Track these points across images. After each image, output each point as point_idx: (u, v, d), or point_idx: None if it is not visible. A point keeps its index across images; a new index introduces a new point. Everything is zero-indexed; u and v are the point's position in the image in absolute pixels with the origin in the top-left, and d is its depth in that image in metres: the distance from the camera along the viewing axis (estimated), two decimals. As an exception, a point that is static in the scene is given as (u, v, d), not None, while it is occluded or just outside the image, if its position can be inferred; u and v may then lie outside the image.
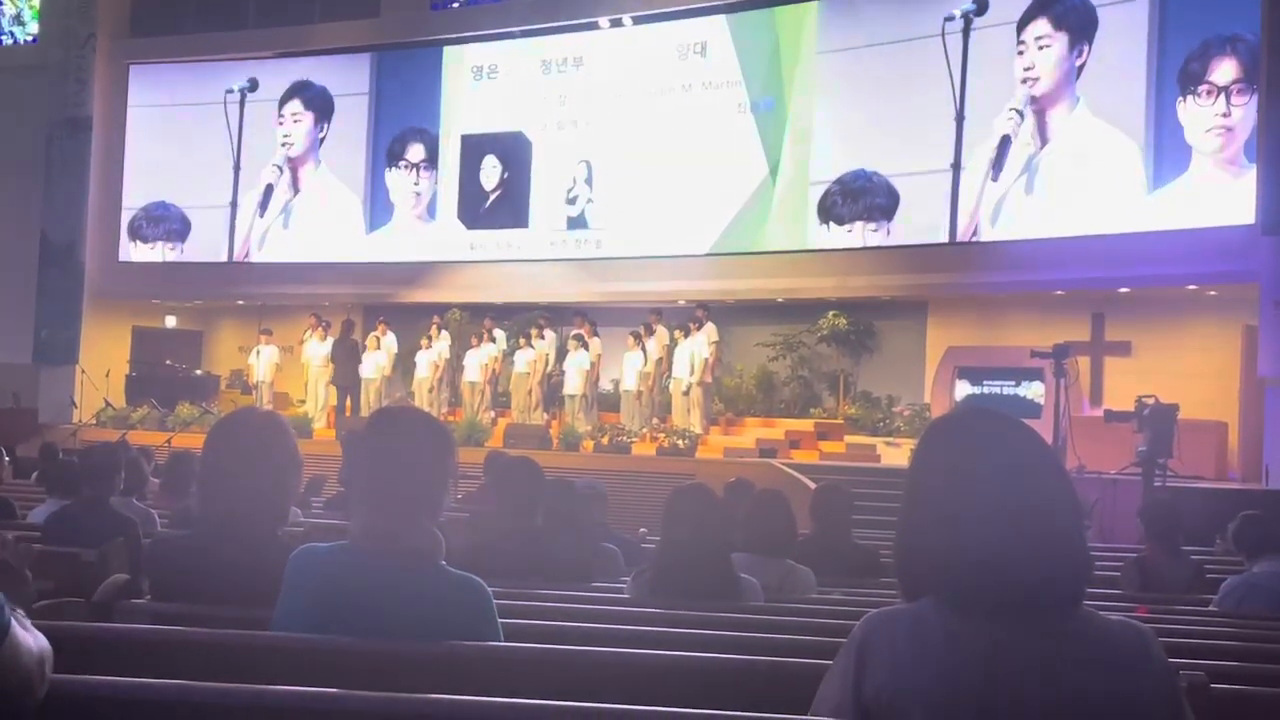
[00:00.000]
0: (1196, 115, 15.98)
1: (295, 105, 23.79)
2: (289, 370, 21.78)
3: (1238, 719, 2.88)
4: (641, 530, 8.76)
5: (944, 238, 17.96)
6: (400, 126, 22.88)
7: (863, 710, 2.01)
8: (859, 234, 18.69)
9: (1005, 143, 17.50)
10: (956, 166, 17.85)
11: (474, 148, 22.13)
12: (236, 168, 24.13)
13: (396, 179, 22.85)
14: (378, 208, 23.00)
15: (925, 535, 2.06)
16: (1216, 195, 15.76)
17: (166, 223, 24.54)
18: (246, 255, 24.03)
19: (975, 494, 2.03)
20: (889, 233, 18.46)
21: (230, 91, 24.05)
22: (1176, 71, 16.16)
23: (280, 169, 23.76)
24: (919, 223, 18.14)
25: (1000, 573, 1.98)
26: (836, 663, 2.09)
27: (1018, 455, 2.08)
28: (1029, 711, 1.93)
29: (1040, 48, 17.40)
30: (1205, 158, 15.93)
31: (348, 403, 19.82)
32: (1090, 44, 17.04)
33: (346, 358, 19.91)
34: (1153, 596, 6.13)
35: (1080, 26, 17.14)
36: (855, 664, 2.03)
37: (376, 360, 20.29)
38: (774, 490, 5.81)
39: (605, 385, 19.59)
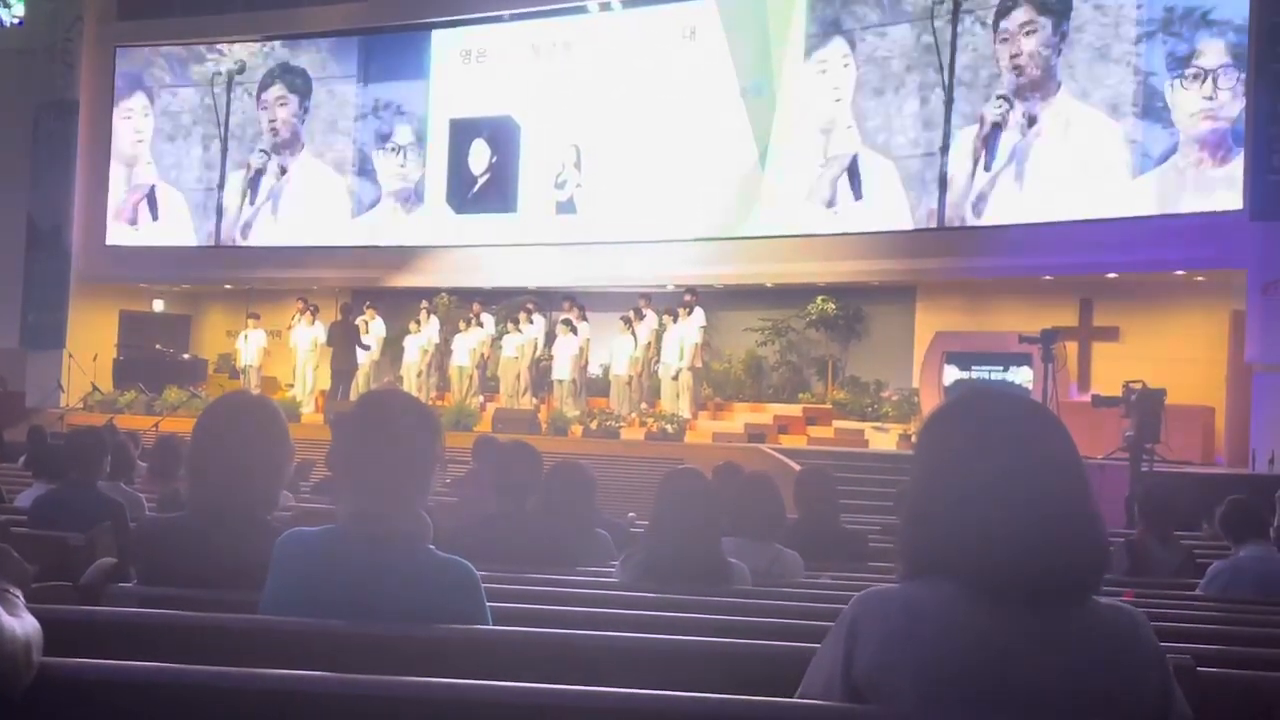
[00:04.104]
0: (1184, 99, 16.00)
1: (278, 89, 23.71)
2: (277, 355, 21.74)
3: (1224, 702, 2.90)
4: (630, 514, 8.77)
5: (933, 222, 17.98)
6: (388, 110, 22.82)
7: (852, 688, 2.01)
8: (846, 216, 18.65)
9: (996, 131, 17.50)
10: (945, 149, 17.86)
11: (462, 131, 22.09)
12: (224, 151, 24.09)
13: (384, 163, 22.79)
14: (365, 192, 22.95)
15: (939, 518, 2.03)
16: (1204, 180, 15.79)
17: (153, 205, 24.45)
18: (235, 240, 23.99)
19: (991, 477, 2.00)
20: (874, 215, 18.43)
21: (218, 74, 23.98)
22: (1164, 55, 16.17)
23: (267, 153, 23.68)
24: (907, 206, 18.14)
25: (1022, 562, 1.96)
26: (827, 641, 2.09)
27: (1038, 438, 2.05)
28: (1019, 692, 1.94)
29: (1026, 34, 17.40)
30: (1193, 142, 15.95)
31: (340, 387, 19.76)
32: (1069, 27, 17.07)
33: (345, 341, 19.86)
34: (1140, 581, 6.15)
35: (1062, 10, 17.18)
36: (846, 642, 2.03)
37: (367, 348, 20.27)
38: (762, 474, 5.81)
39: (594, 370, 19.58)
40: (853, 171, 18.58)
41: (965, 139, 17.76)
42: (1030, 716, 1.94)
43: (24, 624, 1.99)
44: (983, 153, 17.59)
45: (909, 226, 18.17)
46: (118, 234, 24.56)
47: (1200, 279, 16.33)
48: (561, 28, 21.36)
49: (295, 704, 2.07)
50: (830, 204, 18.78)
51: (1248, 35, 15.29)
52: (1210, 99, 15.78)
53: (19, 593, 2.10)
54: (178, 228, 24.35)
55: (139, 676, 2.10)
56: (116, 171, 24.76)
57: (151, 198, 24.51)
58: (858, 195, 18.54)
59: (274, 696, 2.07)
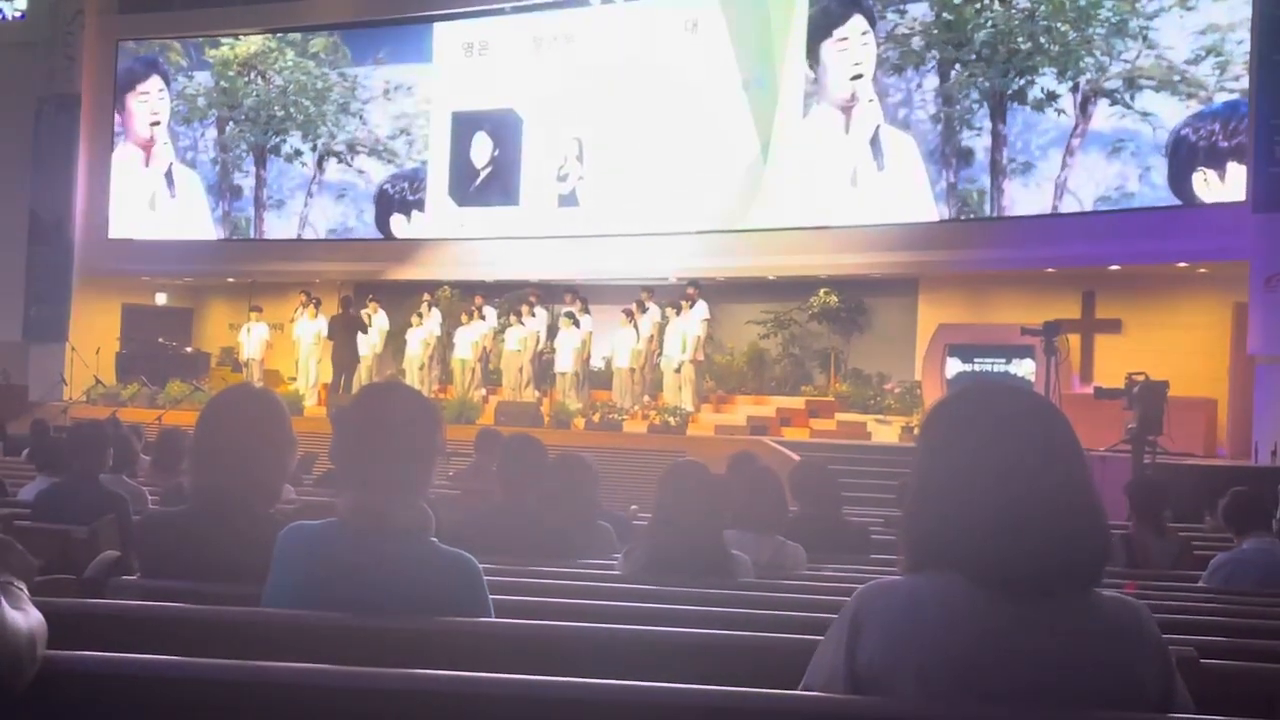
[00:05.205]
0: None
1: (289, 74, 23.69)
2: (279, 348, 21.75)
3: (1227, 693, 2.90)
4: (633, 507, 8.77)
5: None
6: (382, 108, 22.81)
7: (855, 680, 2.02)
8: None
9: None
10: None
11: (464, 124, 22.07)
12: (225, 144, 24.12)
13: (377, 162, 22.81)
14: (358, 191, 22.96)
15: (942, 510, 2.03)
16: (1196, 185, 15.83)
17: (170, 186, 24.51)
18: (249, 222, 24.00)
19: (993, 469, 2.00)
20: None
21: (232, 58, 24.02)
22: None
23: (281, 136, 23.69)
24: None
25: (1025, 554, 1.96)
26: (830, 634, 2.09)
27: (1040, 431, 2.05)
28: (1022, 683, 1.94)
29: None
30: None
31: (342, 380, 19.77)
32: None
33: (345, 334, 19.86)
34: (1143, 573, 6.14)
35: None
36: (849, 634, 2.03)
37: (368, 338, 20.27)
38: (764, 466, 5.81)
39: (597, 363, 19.58)
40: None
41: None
42: (1033, 708, 1.94)
43: (28, 617, 2.00)
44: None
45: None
46: (121, 226, 24.53)
47: (1203, 271, 16.31)
48: (563, 20, 21.33)
49: (297, 697, 2.07)
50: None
51: (1250, 29, 15.25)
52: (1222, 71, 15.77)
53: (23, 586, 2.11)
54: (194, 209, 24.34)
55: (142, 669, 2.10)
56: (133, 153, 24.74)
57: (169, 177, 24.51)
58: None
59: (276, 689, 2.07)
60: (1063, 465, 2.03)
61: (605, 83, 20.66)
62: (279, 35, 23.82)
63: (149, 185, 24.62)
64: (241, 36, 24.06)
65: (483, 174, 21.91)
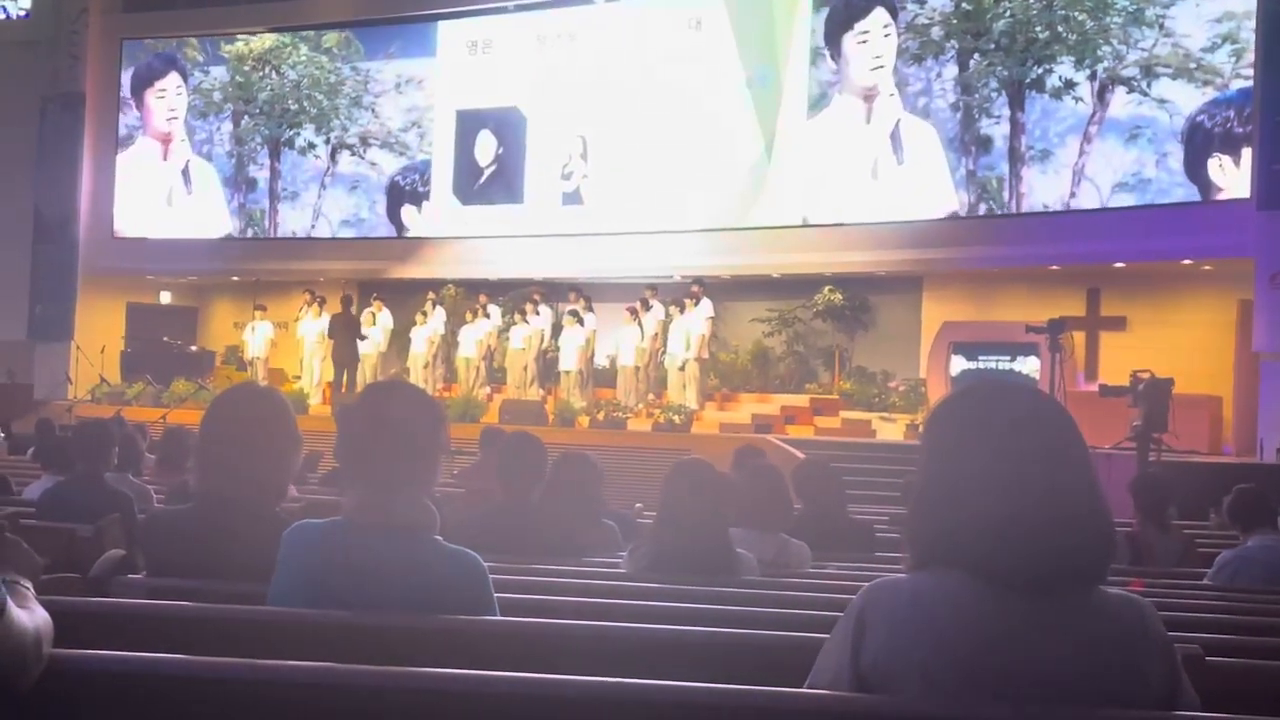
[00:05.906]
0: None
1: (303, 68, 23.71)
2: (284, 346, 21.77)
3: (1233, 691, 2.89)
4: (637, 505, 8.76)
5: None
6: (394, 101, 22.81)
7: (860, 679, 2.01)
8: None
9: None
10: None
11: (468, 123, 22.08)
12: (241, 137, 24.16)
13: (389, 154, 22.82)
14: (370, 183, 22.97)
15: (946, 508, 2.03)
16: (1211, 170, 15.78)
17: (187, 181, 24.54)
18: (263, 215, 24.03)
19: (998, 467, 2.00)
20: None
21: (247, 53, 24.06)
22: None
23: (294, 135, 23.72)
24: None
25: (1028, 552, 1.95)
26: (835, 632, 2.09)
27: (1045, 430, 2.05)
28: (1026, 680, 1.94)
29: None
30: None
31: (344, 378, 19.79)
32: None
33: (345, 334, 19.87)
34: (1147, 570, 6.14)
35: None
36: (854, 633, 2.03)
37: (372, 336, 20.29)
38: (768, 464, 5.81)
39: (601, 361, 19.57)
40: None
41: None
42: (1037, 706, 1.94)
43: (34, 616, 2.00)
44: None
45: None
46: (137, 223, 24.54)
47: (1208, 268, 16.31)
48: (566, 18, 21.34)
49: (302, 695, 2.07)
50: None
51: (1255, 25, 15.23)
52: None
53: (29, 584, 2.11)
54: (210, 203, 24.38)
55: (147, 668, 2.10)
56: (151, 148, 24.76)
57: (186, 174, 24.54)
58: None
59: (281, 688, 2.07)
60: (1069, 466, 2.03)
61: (609, 81, 20.66)
62: (287, 32, 23.84)
63: (166, 181, 24.66)
64: (252, 34, 24.07)
65: (487, 172, 21.92)
